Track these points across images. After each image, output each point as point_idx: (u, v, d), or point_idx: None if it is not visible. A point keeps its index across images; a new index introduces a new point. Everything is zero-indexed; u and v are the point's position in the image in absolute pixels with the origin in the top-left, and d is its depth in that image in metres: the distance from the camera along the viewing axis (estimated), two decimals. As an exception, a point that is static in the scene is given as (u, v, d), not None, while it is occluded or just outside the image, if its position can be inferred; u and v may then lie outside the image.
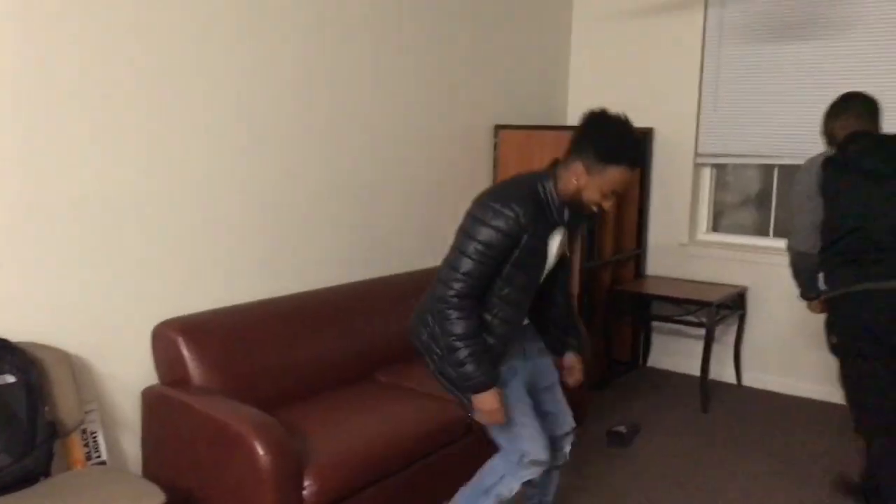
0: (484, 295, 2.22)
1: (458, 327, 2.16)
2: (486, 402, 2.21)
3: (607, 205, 2.20)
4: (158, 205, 2.74)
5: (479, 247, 2.14)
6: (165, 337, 2.70)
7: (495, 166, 4.36)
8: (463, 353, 2.17)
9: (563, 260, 2.42)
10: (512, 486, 2.32)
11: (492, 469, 2.37)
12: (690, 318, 4.29)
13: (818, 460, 3.52)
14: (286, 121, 3.17)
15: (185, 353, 2.67)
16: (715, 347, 4.51)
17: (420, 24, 3.76)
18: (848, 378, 2.77)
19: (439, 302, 2.18)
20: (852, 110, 2.83)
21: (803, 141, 4.22)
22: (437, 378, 2.38)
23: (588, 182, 2.16)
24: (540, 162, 4.18)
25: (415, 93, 3.80)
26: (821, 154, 2.84)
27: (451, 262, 2.19)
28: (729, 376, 4.63)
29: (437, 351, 2.30)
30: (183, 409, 2.55)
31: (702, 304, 4.14)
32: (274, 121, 3.11)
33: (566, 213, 2.24)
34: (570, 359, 2.54)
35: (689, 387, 4.46)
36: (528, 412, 2.33)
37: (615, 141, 2.14)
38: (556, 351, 2.54)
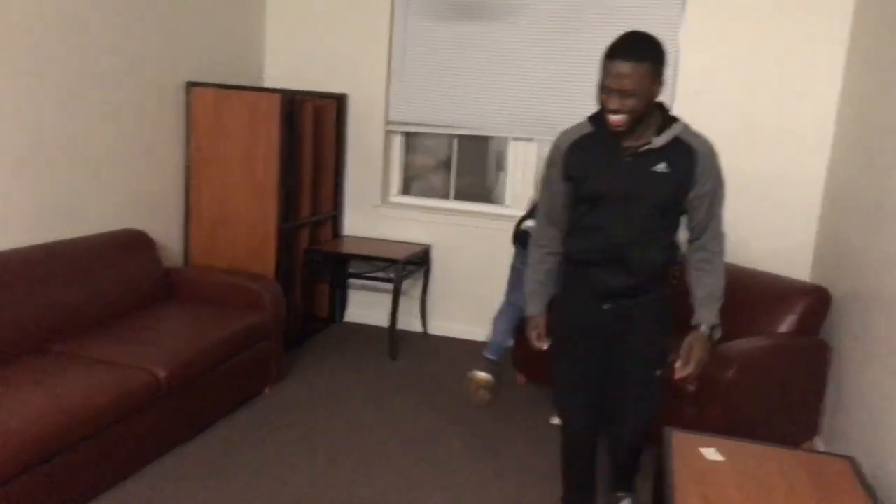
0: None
1: None
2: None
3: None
4: None
5: None
6: None
7: (188, 125, 4.25)
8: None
9: None
10: None
11: None
12: (381, 274, 4.62)
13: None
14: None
15: None
16: (403, 300, 4.91)
17: (97, -29, 3.52)
18: None
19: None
20: None
21: (480, 114, 4.73)
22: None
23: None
24: (236, 123, 4.18)
25: (98, 41, 3.55)
26: None
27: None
28: (416, 326, 5.07)
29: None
30: None
31: (391, 262, 4.48)
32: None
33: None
34: None
35: (382, 338, 4.81)
36: None
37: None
38: None
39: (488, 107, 4.74)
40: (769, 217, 4.28)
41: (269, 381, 3.88)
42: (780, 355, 3.33)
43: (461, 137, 5.01)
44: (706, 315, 2.38)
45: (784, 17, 4.11)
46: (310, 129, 4.57)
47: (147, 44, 3.91)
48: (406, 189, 5.23)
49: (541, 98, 4.61)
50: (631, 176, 2.28)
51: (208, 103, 4.22)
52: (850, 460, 2.54)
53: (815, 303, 3.49)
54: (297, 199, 4.52)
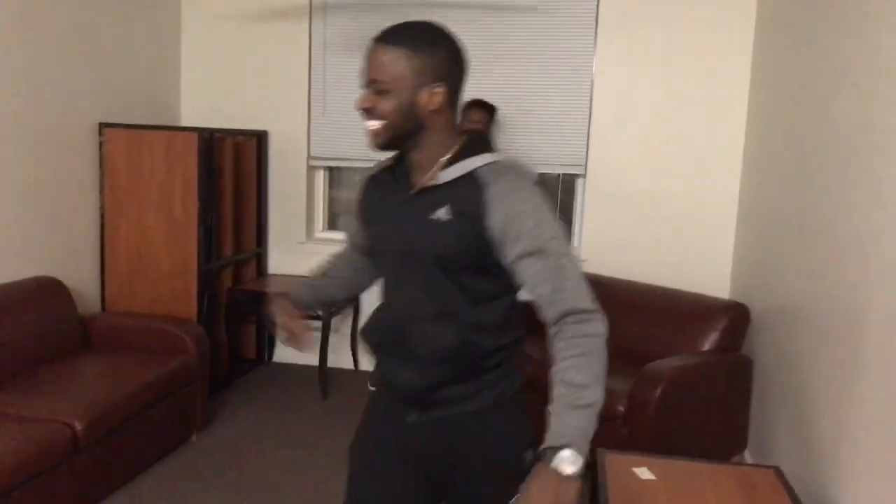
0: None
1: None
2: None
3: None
4: None
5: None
6: None
7: (102, 167, 4.11)
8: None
9: None
10: None
11: None
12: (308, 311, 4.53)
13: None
14: None
15: None
16: (334, 337, 4.84)
17: (7, 4, 3.40)
18: None
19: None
20: None
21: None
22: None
23: None
24: (152, 163, 4.07)
25: (2, 83, 3.42)
26: None
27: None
28: (348, 363, 5.00)
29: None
30: None
31: (318, 299, 4.41)
32: None
33: None
34: None
35: (313, 377, 4.71)
36: None
37: None
38: None
39: (411, 140, 4.75)
40: (688, 237, 4.41)
41: (195, 428, 3.74)
42: (705, 372, 3.42)
43: (385, 171, 5.00)
44: (557, 431, 1.42)
45: (690, 41, 4.30)
46: (230, 168, 4.49)
47: (55, 85, 3.78)
48: (332, 224, 5.18)
49: (462, 130, 4.66)
50: (407, 223, 1.56)
51: (122, 144, 4.10)
52: (776, 470, 2.61)
53: (736, 319, 3.61)
54: (218, 238, 4.42)
